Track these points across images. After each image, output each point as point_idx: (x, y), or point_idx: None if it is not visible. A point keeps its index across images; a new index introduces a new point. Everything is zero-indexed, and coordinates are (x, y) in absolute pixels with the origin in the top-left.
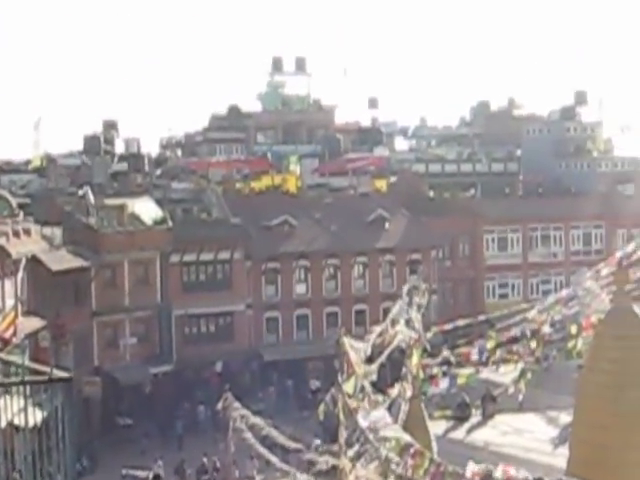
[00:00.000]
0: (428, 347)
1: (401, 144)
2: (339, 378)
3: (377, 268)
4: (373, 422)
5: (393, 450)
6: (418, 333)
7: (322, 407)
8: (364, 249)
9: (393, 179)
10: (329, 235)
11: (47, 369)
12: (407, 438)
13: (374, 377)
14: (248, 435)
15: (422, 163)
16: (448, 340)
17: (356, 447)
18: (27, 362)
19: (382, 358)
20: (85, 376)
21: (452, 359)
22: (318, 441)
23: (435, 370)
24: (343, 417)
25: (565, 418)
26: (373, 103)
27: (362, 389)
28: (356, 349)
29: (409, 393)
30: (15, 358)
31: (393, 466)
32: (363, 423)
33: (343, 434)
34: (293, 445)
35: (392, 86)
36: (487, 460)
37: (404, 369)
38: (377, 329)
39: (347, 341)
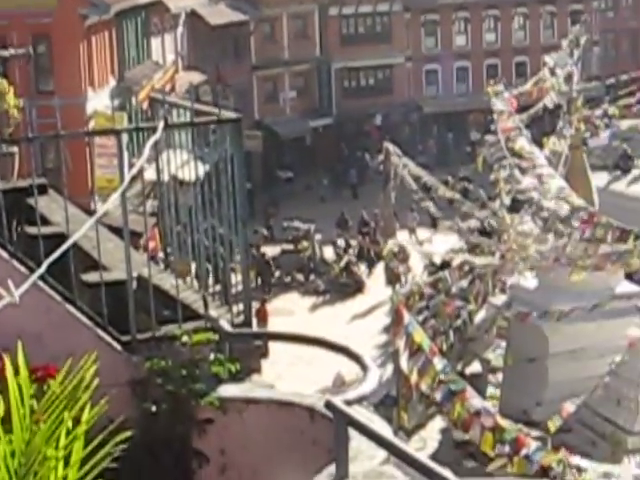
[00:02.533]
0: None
1: None
2: (497, 131)
3: (538, 19)
4: (534, 176)
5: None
6: (577, 86)
7: (481, 158)
8: None
9: None
10: None
11: (214, 110)
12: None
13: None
14: (409, 185)
15: None
16: (610, 92)
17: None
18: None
19: (537, 108)
20: (246, 130)
21: (614, 111)
22: (482, 192)
23: (596, 122)
24: (500, 172)
25: None
26: None
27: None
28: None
29: (565, 147)
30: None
31: (559, 225)
32: (524, 180)
33: (502, 187)
34: (452, 195)
35: None
36: None
37: (561, 122)
38: (534, 78)
39: (496, 91)
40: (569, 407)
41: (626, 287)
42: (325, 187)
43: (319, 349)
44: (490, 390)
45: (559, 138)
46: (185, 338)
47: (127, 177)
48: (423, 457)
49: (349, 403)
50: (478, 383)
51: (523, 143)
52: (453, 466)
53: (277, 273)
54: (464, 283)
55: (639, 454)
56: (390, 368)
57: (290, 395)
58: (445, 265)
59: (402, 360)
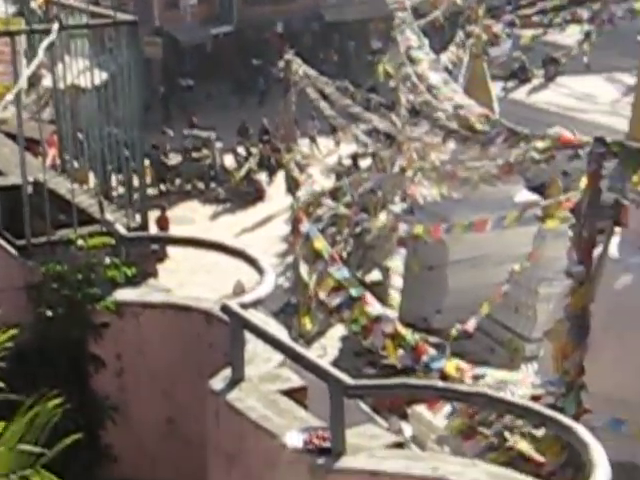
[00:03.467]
0: None
1: None
2: (397, 40)
3: None
4: (434, 82)
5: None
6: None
7: (381, 67)
8: None
9: None
10: None
11: (111, 13)
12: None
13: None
14: (310, 93)
15: None
16: (511, 1)
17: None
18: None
19: (435, 15)
20: (145, 37)
21: (515, 20)
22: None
23: (498, 31)
24: (400, 80)
25: (629, 80)
26: None
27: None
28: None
29: (465, 56)
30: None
31: (453, 126)
32: (421, 86)
33: (401, 99)
34: (351, 104)
35: None
36: (548, 121)
37: (461, 31)
38: None
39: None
40: (472, 324)
41: (525, 196)
42: (227, 95)
43: (220, 257)
44: (390, 298)
45: (459, 47)
46: (80, 242)
47: (22, 78)
48: (318, 359)
49: (245, 306)
50: (378, 291)
51: (421, 53)
52: (352, 373)
53: (178, 181)
54: (364, 189)
55: (536, 361)
56: (290, 276)
57: (187, 299)
58: (347, 173)
59: (302, 267)
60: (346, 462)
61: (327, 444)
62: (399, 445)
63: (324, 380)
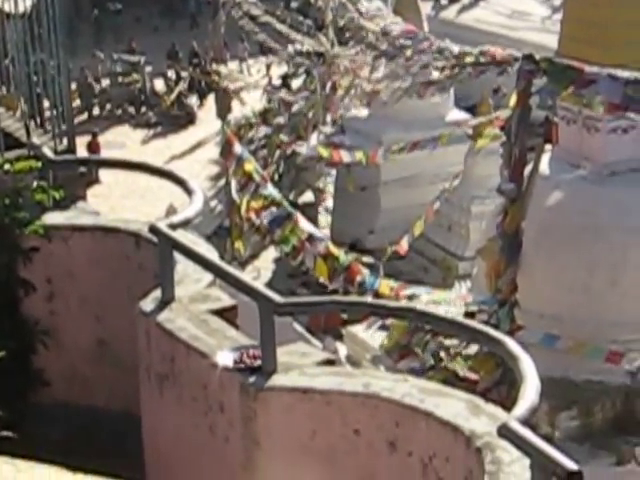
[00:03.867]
0: None
1: None
2: None
3: None
4: (362, 2)
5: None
6: None
7: None
8: None
9: None
10: None
11: None
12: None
13: None
14: (236, 15)
15: None
16: None
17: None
18: None
19: None
20: None
21: None
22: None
23: None
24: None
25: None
26: None
27: None
28: None
29: None
30: None
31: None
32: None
33: (328, 19)
34: (280, 26)
35: None
36: (478, 40)
37: None
38: None
39: None
40: (405, 244)
41: (456, 115)
42: (157, 18)
43: (152, 182)
44: (322, 218)
45: None
46: (7, 166)
47: None
48: (246, 277)
49: (174, 227)
50: (310, 213)
51: None
52: (286, 294)
53: (108, 106)
54: (295, 110)
55: (469, 279)
56: (223, 199)
57: (115, 221)
58: (277, 94)
59: (233, 190)
60: (277, 380)
61: (258, 363)
62: (330, 362)
63: (254, 298)
